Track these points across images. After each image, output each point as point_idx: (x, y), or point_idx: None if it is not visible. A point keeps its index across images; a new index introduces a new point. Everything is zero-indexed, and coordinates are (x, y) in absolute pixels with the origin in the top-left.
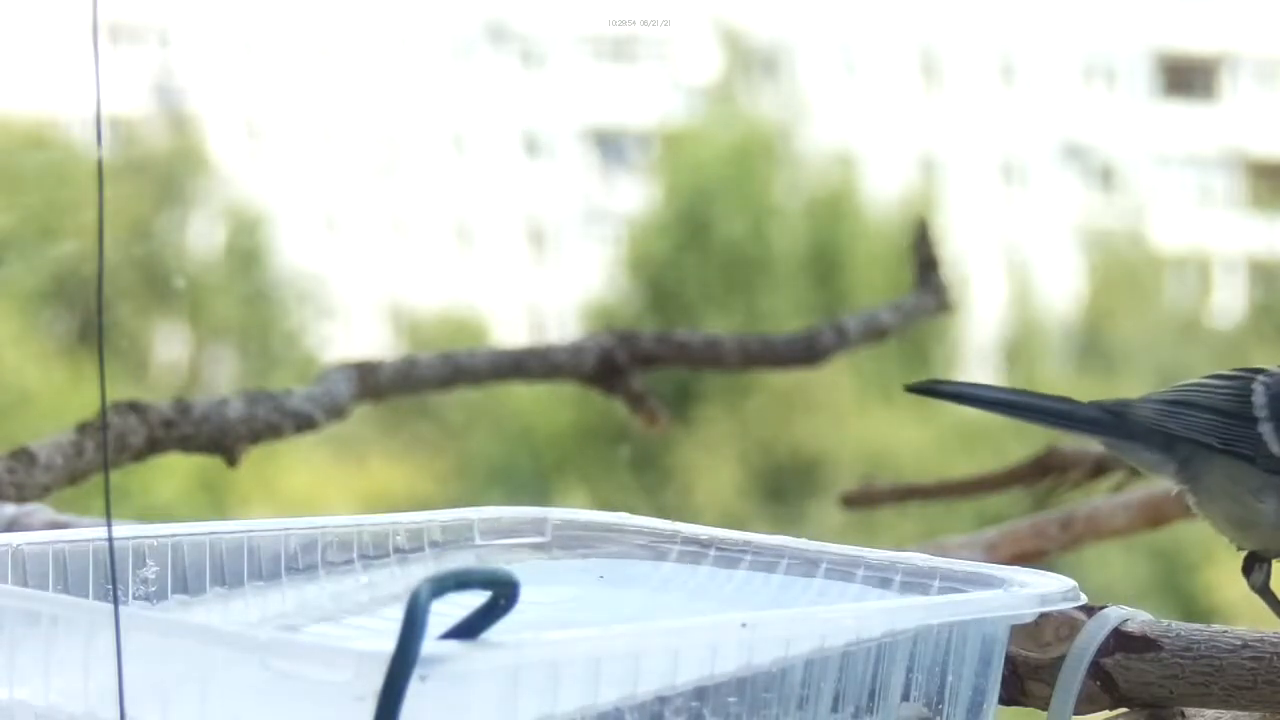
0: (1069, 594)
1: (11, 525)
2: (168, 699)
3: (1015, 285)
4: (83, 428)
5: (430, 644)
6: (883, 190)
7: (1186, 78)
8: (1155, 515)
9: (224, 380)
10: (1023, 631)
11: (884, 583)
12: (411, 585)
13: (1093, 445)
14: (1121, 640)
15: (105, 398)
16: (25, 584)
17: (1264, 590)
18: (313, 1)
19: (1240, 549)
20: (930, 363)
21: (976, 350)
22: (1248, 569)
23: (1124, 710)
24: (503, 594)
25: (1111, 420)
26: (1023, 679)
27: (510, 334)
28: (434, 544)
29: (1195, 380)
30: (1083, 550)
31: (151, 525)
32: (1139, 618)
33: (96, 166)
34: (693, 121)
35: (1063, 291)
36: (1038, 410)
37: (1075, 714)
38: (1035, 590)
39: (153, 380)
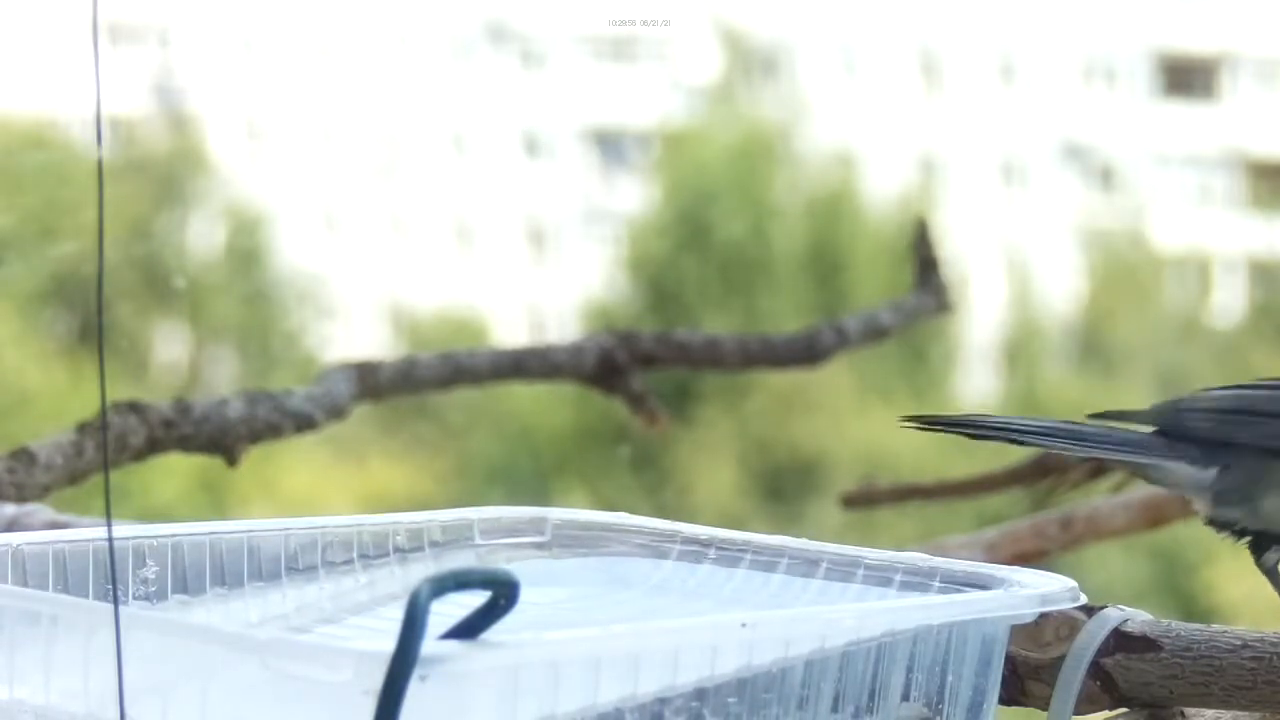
0: (1069, 594)
1: (11, 525)
2: (168, 699)
3: (1015, 285)
4: (83, 428)
5: (430, 644)
6: (883, 190)
7: (1186, 78)
8: (1155, 515)
9: (224, 380)
10: (1023, 631)
11: (884, 583)
12: (411, 585)
13: None
14: (1121, 640)
15: (105, 398)
16: (25, 584)
17: (1272, 571)
18: (313, 1)
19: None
20: (930, 363)
21: (976, 350)
22: (1258, 550)
23: (1124, 710)
24: (503, 594)
25: (1143, 439)
26: (1023, 679)
27: (510, 334)
28: (434, 544)
29: (1242, 389)
30: (1083, 550)
31: (151, 525)
32: (1139, 618)
33: (96, 166)
34: (693, 121)
35: (1063, 291)
36: (1048, 434)
37: (1075, 714)
38: (1035, 590)
39: (153, 380)
